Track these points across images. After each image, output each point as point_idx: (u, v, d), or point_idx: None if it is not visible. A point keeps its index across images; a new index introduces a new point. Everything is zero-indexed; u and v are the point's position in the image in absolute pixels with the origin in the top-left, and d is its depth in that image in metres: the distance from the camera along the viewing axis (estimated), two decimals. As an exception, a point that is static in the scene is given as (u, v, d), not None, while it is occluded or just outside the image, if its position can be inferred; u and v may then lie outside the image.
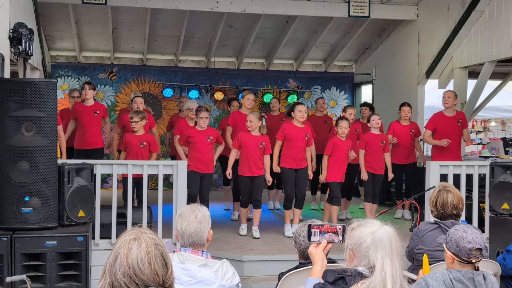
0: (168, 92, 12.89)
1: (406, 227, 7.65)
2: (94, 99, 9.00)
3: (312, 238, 3.16)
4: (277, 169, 8.03)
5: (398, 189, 9.72)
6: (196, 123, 8.25)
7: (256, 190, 7.95)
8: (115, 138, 9.06)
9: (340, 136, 8.20)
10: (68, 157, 8.37)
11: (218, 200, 10.48)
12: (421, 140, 9.60)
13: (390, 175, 8.82)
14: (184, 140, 8.10)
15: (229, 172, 8.08)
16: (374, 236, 2.57)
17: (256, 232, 7.92)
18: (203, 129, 8.06)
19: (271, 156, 8.10)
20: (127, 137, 8.10)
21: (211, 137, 8.09)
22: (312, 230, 3.15)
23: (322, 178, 8.27)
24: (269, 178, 8.12)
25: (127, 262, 2.07)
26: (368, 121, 8.89)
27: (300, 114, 8.01)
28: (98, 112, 8.88)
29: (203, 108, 8.19)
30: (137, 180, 7.37)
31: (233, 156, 8.06)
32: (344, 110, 9.32)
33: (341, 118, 8.43)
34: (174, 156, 9.40)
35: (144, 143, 8.04)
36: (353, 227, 2.68)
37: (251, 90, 12.78)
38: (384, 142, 8.74)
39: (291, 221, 8.15)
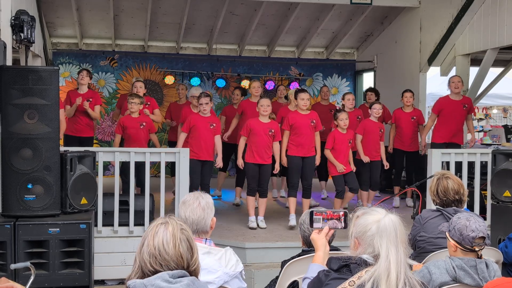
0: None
1: (407, 215, 7.66)
2: (88, 87, 9.09)
3: (315, 225, 3.17)
4: (284, 161, 7.88)
5: (397, 175, 9.71)
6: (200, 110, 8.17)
7: (263, 179, 7.84)
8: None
9: (342, 128, 8.15)
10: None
11: (215, 187, 10.43)
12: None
13: (386, 163, 8.79)
14: (188, 128, 7.95)
15: (240, 162, 7.86)
16: (379, 224, 2.57)
17: (262, 222, 7.85)
18: (206, 115, 8.02)
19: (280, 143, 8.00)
20: (125, 121, 8.14)
21: (214, 125, 8.01)
22: (314, 216, 3.16)
23: (340, 169, 8.09)
24: (277, 166, 7.92)
25: (153, 243, 2.23)
26: (370, 107, 8.90)
27: (303, 102, 7.84)
28: (91, 100, 8.96)
29: (202, 94, 8.11)
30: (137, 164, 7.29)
31: (242, 144, 7.86)
32: (343, 98, 9.31)
33: (339, 110, 8.37)
34: (172, 142, 9.45)
35: (144, 124, 8.20)
36: (358, 215, 2.68)
37: (253, 77, 12.82)
38: (382, 130, 8.74)
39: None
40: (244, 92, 10.32)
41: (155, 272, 2.20)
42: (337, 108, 8.81)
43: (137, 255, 2.26)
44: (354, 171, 8.33)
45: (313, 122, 7.95)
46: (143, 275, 2.23)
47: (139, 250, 2.26)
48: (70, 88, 10.81)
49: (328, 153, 8.16)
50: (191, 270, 2.26)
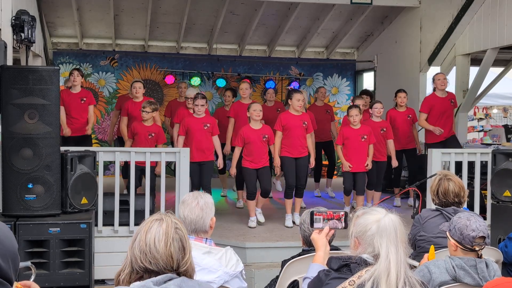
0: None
1: (407, 214, 7.66)
2: (81, 86, 9.12)
3: (315, 225, 3.18)
4: (277, 162, 7.83)
5: (397, 175, 9.69)
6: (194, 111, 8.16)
7: (263, 180, 7.81)
8: (114, 122, 10.01)
9: (352, 124, 8.14)
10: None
11: (220, 187, 10.46)
12: (419, 130, 9.59)
13: (394, 163, 8.78)
14: (184, 131, 7.94)
15: (234, 171, 7.92)
16: (379, 224, 2.58)
17: (260, 215, 7.91)
18: (200, 116, 7.97)
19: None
20: (135, 126, 8.05)
21: (208, 125, 7.97)
22: (315, 216, 3.17)
23: (346, 167, 8.12)
24: (277, 167, 7.90)
25: (145, 239, 2.19)
26: (371, 108, 8.89)
27: (298, 103, 7.76)
28: (85, 99, 8.97)
29: (199, 96, 8.08)
30: (141, 168, 7.33)
31: (237, 154, 7.84)
32: (352, 101, 9.32)
33: (350, 106, 8.37)
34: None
35: (153, 134, 8.04)
36: (358, 215, 2.69)
37: (253, 77, 12.85)
38: (385, 129, 8.71)
39: (293, 210, 8.04)
40: (235, 93, 10.26)
41: (145, 268, 2.16)
42: (350, 104, 8.82)
43: (129, 249, 2.22)
44: (367, 170, 8.29)
45: (304, 123, 7.89)
46: (133, 270, 2.19)
47: (131, 245, 2.21)
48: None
49: (337, 149, 8.23)
50: (181, 271, 2.20)
